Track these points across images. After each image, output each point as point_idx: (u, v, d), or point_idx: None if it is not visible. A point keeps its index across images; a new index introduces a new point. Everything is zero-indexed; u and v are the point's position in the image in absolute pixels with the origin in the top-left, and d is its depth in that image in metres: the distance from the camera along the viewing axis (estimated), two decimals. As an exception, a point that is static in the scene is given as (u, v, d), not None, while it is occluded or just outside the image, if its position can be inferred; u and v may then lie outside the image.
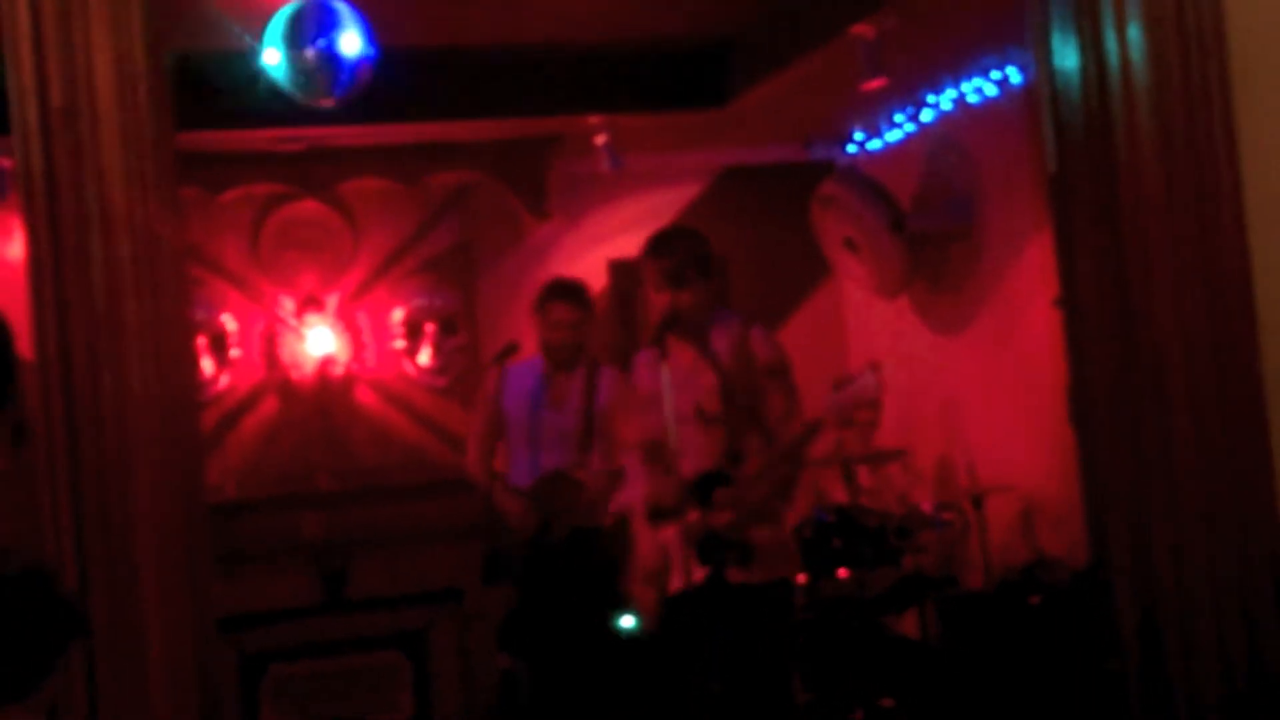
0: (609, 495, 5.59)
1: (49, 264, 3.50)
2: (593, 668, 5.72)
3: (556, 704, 5.61)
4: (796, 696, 5.48)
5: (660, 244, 4.64)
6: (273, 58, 4.51)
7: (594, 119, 6.82)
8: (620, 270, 7.75)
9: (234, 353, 7.25)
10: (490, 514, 5.85)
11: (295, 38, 4.48)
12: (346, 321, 7.43)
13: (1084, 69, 3.95)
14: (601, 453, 5.78)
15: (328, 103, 4.64)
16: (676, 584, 4.52)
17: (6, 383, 2.27)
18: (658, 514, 4.53)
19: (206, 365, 7.05)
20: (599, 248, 7.81)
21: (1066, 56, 3.98)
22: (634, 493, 4.67)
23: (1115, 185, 3.93)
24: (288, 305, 7.36)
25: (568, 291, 5.94)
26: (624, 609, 6.05)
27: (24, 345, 3.63)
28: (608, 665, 5.79)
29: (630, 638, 6.19)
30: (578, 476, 5.73)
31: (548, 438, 5.81)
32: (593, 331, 5.99)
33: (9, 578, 2.29)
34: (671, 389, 4.46)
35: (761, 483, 4.50)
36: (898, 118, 7.29)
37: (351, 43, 4.50)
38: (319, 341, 7.34)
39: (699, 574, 4.45)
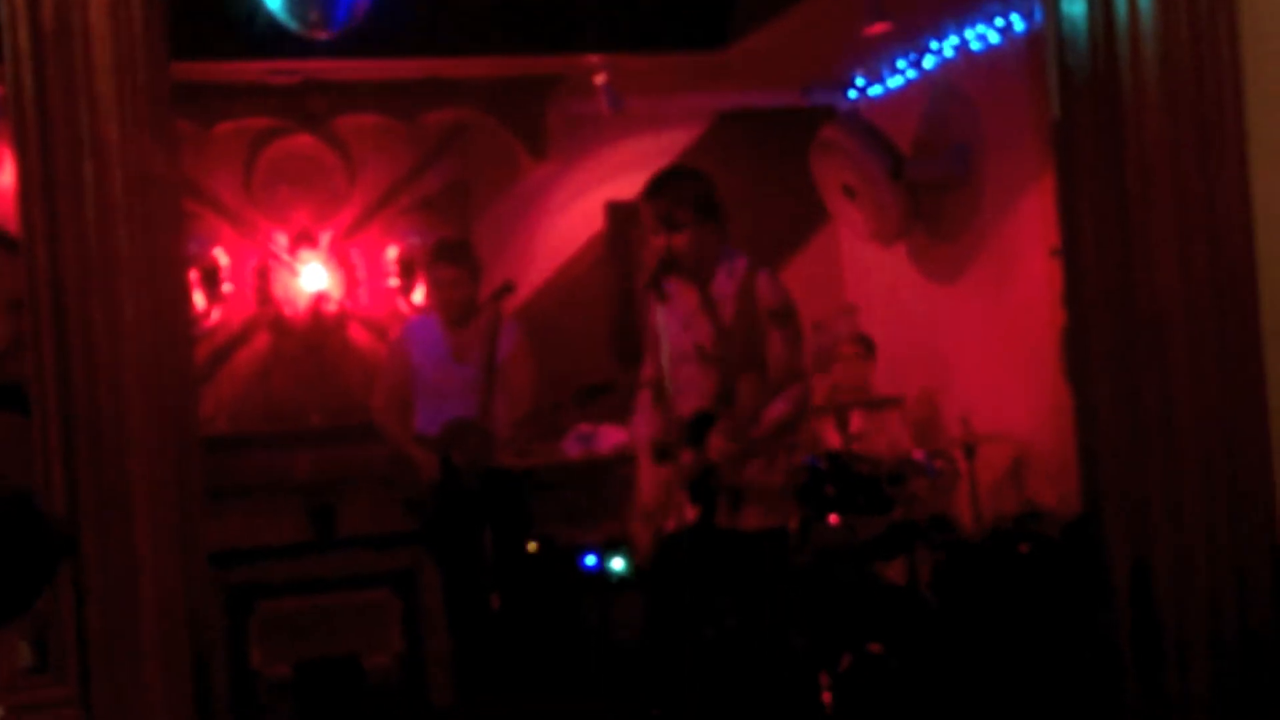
0: (516, 441, 5.93)
1: (39, 192, 3.46)
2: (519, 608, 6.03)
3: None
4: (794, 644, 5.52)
5: (656, 186, 4.59)
6: (270, -13, 4.44)
7: (594, 59, 6.76)
8: (617, 212, 7.70)
9: (226, 287, 7.19)
10: (400, 463, 5.97)
11: (293, -33, 4.41)
12: (340, 258, 7.38)
13: (1091, 15, 3.91)
14: (504, 402, 5.95)
15: (325, 35, 4.58)
16: (670, 525, 4.51)
17: None
18: (661, 453, 4.52)
19: (198, 299, 7.00)
20: (596, 189, 7.76)
21: (1074, 3, 3.94)
22: (640, 430, 4.67)
23: (1119, 134, 3.90)
24: (281, 241, 7.30)
25: (450, 251, 6.12)
26: (617, 550, 6.15)
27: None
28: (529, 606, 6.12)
29: (620, 579, 6.27)
30: (482, 424, 5.88)
31: (452, 389, 5.94)
32: (480, 288, 6.08)
33: None
34: (673, 329, 4.45)
35: (756, 423, 4.47)
36: (900, 64, 7.22)
37: (350, -26, 4.43)
38: (312, 278, 7.29)
39: (691, 515, 4.43)
